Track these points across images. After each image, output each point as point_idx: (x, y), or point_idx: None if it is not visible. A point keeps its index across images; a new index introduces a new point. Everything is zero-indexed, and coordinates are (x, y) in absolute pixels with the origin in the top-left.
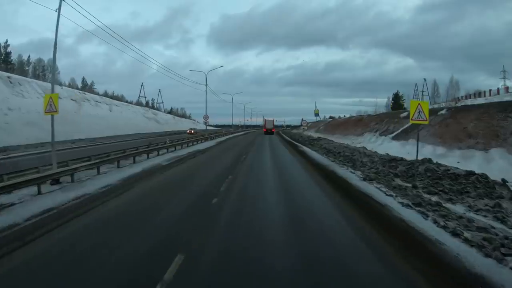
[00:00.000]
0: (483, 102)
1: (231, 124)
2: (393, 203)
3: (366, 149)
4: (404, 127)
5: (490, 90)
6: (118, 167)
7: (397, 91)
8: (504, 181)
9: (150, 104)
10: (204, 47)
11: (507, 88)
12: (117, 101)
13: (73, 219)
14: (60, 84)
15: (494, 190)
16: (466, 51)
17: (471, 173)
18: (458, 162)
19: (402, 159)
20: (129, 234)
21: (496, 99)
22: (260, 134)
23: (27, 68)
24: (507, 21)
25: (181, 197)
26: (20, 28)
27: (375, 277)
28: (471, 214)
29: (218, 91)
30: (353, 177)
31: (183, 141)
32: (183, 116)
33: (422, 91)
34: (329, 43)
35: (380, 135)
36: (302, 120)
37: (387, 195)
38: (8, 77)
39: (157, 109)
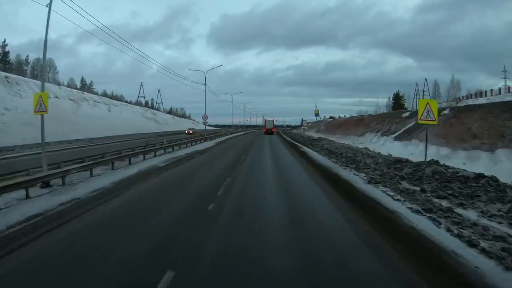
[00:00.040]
0: (485, 102)
1: (230, 124)
2: (402, 209)
3: (369, 150)
4: (406, 127)
5: (491, 90)
6: (113, 168)
7: (398, 91)
8: None
9: (150, 104)
10: (204, 47)
11: (508, 88)
12: (116, 101)
13: (58, 227)
14: (59, 84)
15: (505, 194)
16: (466, 51)
17: (480, 176)
18: (464, 164)
19: (407, 160)
20: (113, 247)
21: (498, 99)
22: (260, 134)
23: (25, 68)
24: (507, 21)
25: (175, 203)
26: (20, 28)
27: None
28: (485, 221)
29: (218, 91)
30: (358, 180)
31: (182, 142)
32: (183, 116)
33: (423, 91)
34: (329, 43)
35: (382, 135)
36: (303, 120)
37: (394, 199)
38: (6, 76)
39: (157, 109)
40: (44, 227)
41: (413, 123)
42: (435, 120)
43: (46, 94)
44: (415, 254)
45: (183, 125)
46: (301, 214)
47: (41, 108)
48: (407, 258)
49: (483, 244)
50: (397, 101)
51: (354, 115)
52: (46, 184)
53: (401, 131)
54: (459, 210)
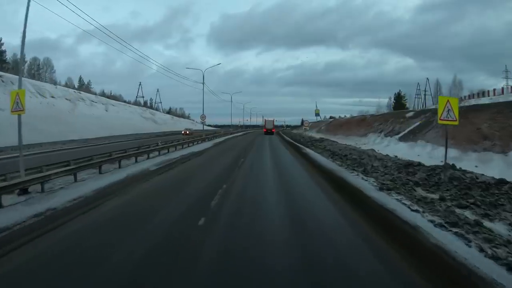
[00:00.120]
0: (488, 101)
1: (230, 124)
2: (422, 222)
3: (376, 152)
4: (411, 127)
5: (494, 90)
6: (100, 172)
7: (399, 90)
8: None
9: (149, 104)
10: (204, 46)
11: (511, 88)
12: (113, 101)
13: (24, 244)
14: (55, 83)
15: None
16: (466, 51)
17: (502, 182)
18: (476, 166)
19: (419, 164)
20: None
21: (501, 98)
22: (260, 135)
23: (22, 67)
24: (507, 21)
25: (159, 218)
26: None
27: None
28: None
29: (218, 91)
30: (368, 186)
31: (178, 143)
32: (182, 116)
33: (425, 91)
34: (329, 43)
35: (386, 135)
36: (303, 120)
37: (412, 210)
38: (0, 76)
39: (156, 109)
40: (7, 245)
41: (417, 123)
42: (456, 120)
43: (23, 92)
44: (445, 283)
45: (182, 125)
46: (310, 236)
47: (18, 107)
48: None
49: None
50: (398, 101)
51: (355, 115)
52: (24, 191)
53: (406, 131)
54: (486, 223)
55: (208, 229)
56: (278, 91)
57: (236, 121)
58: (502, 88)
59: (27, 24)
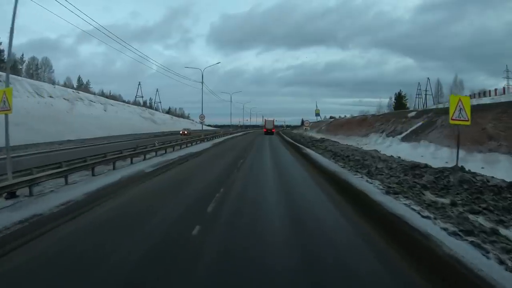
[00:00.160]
0: (489, 101)
1: (230, 124)
2: (435, 230)
3: (379, 153)
4: (413, 127)
5: (495, 90)
6: (93, 174)
7: (400, 90)
8: None
9: (148, 104)
10: (204, 47)
11: None
12: (112, 101)
13: (3, 256)
14: (53, 83)
15: None
16: (466, 51)
17: None
18: (483, 168)
19: (426, 165)
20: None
21: (503, 98)
22: (260, 135)
23: (20, 67)
24: (507, 21)
25: (151, 225)
26: (19, 28)
27: None
28: None
29: (218, 91)
30: (373, 190)
31: (176, 143)
32: (182, 116)
33: (426, 90)
34: (329, 43)
35: (387, 136)
36: (303, 120)
37: (422, 216)
38: None
39: (155, 109)
40: None
41: (420, 123)
42: (468, 120)
43: (9, 90)
44: None
45: (181, 125)
46: (313, 244)
47: (5, 106)
48: None
49: None
50: (399, 101)
51: (356, 115)
52: (12, 195)
53: (408, 131)
54: (502, 230)
55: (203, 239)
56: (278, 91)
57: (236, 121)
58: (504, 88)
59: (16, 21)
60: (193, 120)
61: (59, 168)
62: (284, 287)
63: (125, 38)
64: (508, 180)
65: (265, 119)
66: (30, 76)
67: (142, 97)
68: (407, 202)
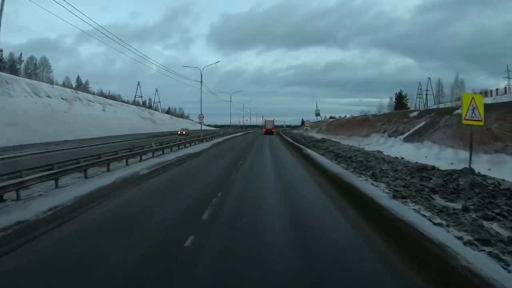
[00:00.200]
0: (491, 101)
1: (229, 124)
2: (449, 239)
3: (383, 154)
4: (416, 127)
5: (497, 89)
6: (86, 177)
7: (401, 90)
8: None
9: (148, 104)
10: (204, 46)
11: None
12: (111, 101)
13: None
14: (52, 83)
15: None
16: (466, 51)
17: None
18: (489, 169)
19: (433, 167)
20: None
21: (505, 98)
22: (260, 135)
23: (18, 67)
24: (507, 21)
25: (140, 234)
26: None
27: None
28: None
29: (218, 91)
30: (379, 193)
31: (174, 143)
32: (181, 116)
33: (427, 90)
34: (329, 43)
35: (389, 136)
36: (303, 120)
37: (434, 223)
38: None
39: (155, 109)
40: None
41: (423, 123)
42: (481, 120)
43: None
44: None
45: (181, 125)
46: (319, 255)
47: None
48: None
49: None
50: (400, 101)
51: (356, 115)
52: None
53: (411, 131)
54: None
55: (197, 251)
56: (278, 91)
57: (236, 121)
58: (505, 88)
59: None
60: (192, 120)
61: (51, 170)
62: None
63: (125, 38)
64: None
65: (265, 119)
66: (29, 76)
67: (142, 97)
68: (416, 207)
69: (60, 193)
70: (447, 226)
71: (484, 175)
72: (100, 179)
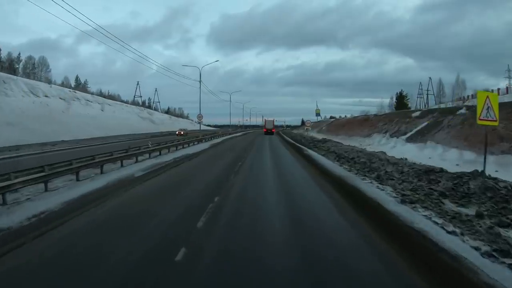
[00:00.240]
0: None
1: (229, 124)
2: (465, 250)
3: (387, 155)
4: (419, 127)
5: (498, 89)
6: (78, 180)
7: (402, 90)
8: None
9: (147, 104)
10: (204, 46)
11: None
12: (110, 101)
13: None
14: (50, 82)
15: None
16: (466, 51)
17: None
18: (497, 171)
19: (442, 170)
20: None
21: (506, 98)
22: (260, 135)
23: (17, 66)
24: (507, 21)
25: (130, 243)
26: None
27: None
28: None
29: (218, 91)
30: (385, 197)
31: (172, 144)
32: (181, 116)
33: (427, 90)
34: (329, 43)
35: (391, 136)
36: (303, 120)
37: (448, 232)
38: None
39: (154, 109)
40: None
41: (425, 123)
42: (496, 120)
43: None
44: None
45: (180, 125)
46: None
47: None
48: None
49: None
50: (401, 101)
51: (356, 115)
52: None
53: (413, 132)
54: None
55: (189, 266)
56: (278, 91)
57: (236, 121)
58: (507, 88)
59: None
60: (192, 120)
61: (42, 172)
62: None
63: (125, 38)
64: None
65: (265, 119)
66: (27, 75)
67: (141, 97)
68: (427, 213)
69: (49, 197)
70: (462, 234)
71: (495, 178)
72: (92, 182)
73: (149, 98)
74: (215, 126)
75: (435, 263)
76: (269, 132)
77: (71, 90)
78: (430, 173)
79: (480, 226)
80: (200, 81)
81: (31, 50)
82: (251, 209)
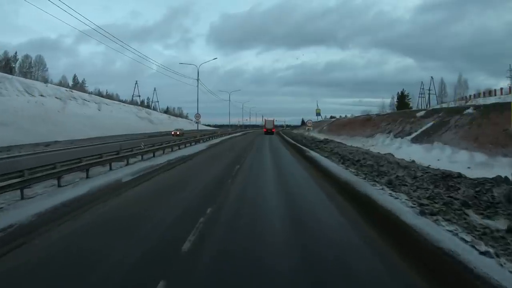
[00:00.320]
0: (495, 100)
1: (229, 124)
2: (505, 277)
3: (396, 157)
4: (424, 128)
5: (501, 89)
6: (59, 185)
7: (403, 89)
8: None
9: (146, 104)
10: (204, 46)
11: None
12: (107, 100)
13: None
14: (46, 81)
15: None
16: (466, 51)
17: None
18: None
19: (460, 175)
20: None
21: (509, 98)
22: (260, 135)
23: (13, 65)
24: (507, 21)
25: (100, 270)
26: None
27: None
28: None
29: (218, 91)
30: (401, 207)
31: (168, 145)
32: (180, 115)
33: (429, 90)
34: (329, 43)
35: (395, 136)
36: (303, 120)
37: (480, 252)
38: None
39: (153, 108)
40: None
41: (431, 123)
42: None
43: None
44: None
45: (179, 124)
46: None
47: None
48: None
49: None
50: (402, 100)
51: (357, 114)
52: None
53: (419, 132)
54: None
55: None
56: (278, 91)
57: (235, 120)
58: (510, 87)
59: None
60: (191, 120)
61: (21, 177)
62: None
63: (125, 38)
64: None
65: (265, 119)
66: (24, 74)
67: (139, 96)
68: (452, 227)
69: (22, 207)
70: (497, 256)
71: None
72: (74, 189)
73: (148, 97)
74: (214, 126)
75: None
76: (269, 132)
77: (67, 89)
78: (448, 178)
79: None
80: (198, 79)
81: (31, 50)
82: (249, 218)
